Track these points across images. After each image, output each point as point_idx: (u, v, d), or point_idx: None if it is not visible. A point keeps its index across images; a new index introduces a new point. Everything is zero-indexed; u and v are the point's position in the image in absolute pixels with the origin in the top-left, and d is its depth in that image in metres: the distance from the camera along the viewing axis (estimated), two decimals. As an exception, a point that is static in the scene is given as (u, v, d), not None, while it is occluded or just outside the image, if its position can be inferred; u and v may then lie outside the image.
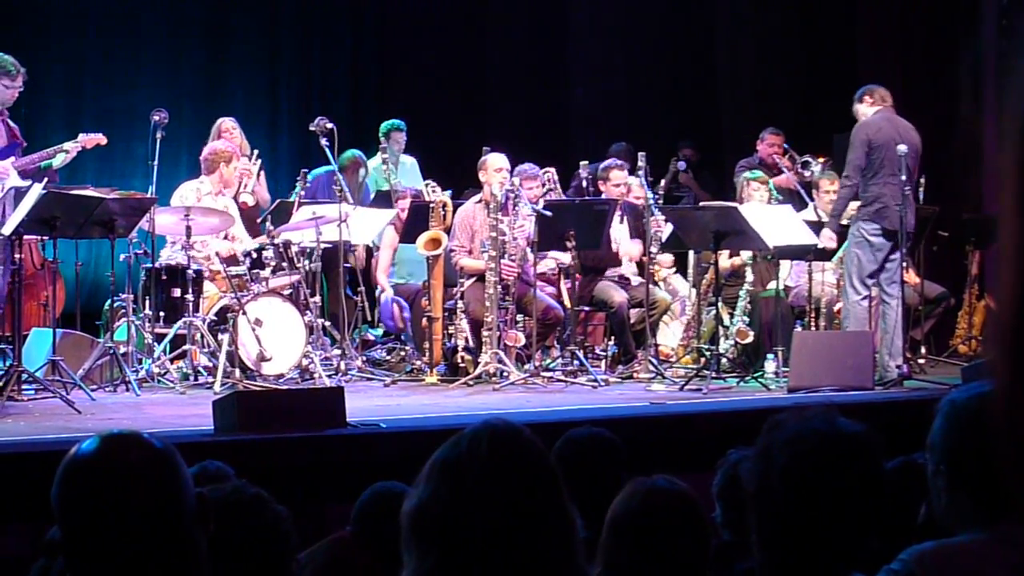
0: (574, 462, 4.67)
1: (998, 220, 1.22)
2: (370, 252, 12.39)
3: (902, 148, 10.28)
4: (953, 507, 3.06)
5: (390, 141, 13.29)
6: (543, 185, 11.75)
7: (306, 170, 11.98)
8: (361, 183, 12.88)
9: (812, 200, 12.16)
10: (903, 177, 10.23)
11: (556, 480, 2.55)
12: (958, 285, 13.00)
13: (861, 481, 2.92)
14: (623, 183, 11.66)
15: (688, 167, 14.05)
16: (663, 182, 12.59)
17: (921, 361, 11.73)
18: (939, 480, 3.09)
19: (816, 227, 10.99)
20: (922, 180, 11.53)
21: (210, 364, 10.13)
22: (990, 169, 13.94)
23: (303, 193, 11.86)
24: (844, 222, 10.87)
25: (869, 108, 10.61)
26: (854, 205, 10.66)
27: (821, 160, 13.00)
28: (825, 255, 11.24)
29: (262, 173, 12.33)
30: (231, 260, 10.73)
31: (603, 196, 11.63)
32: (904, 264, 10.62)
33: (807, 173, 12.93)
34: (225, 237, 11.17)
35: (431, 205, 11.39)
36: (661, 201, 11.96)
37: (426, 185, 12.56)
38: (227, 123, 12.32)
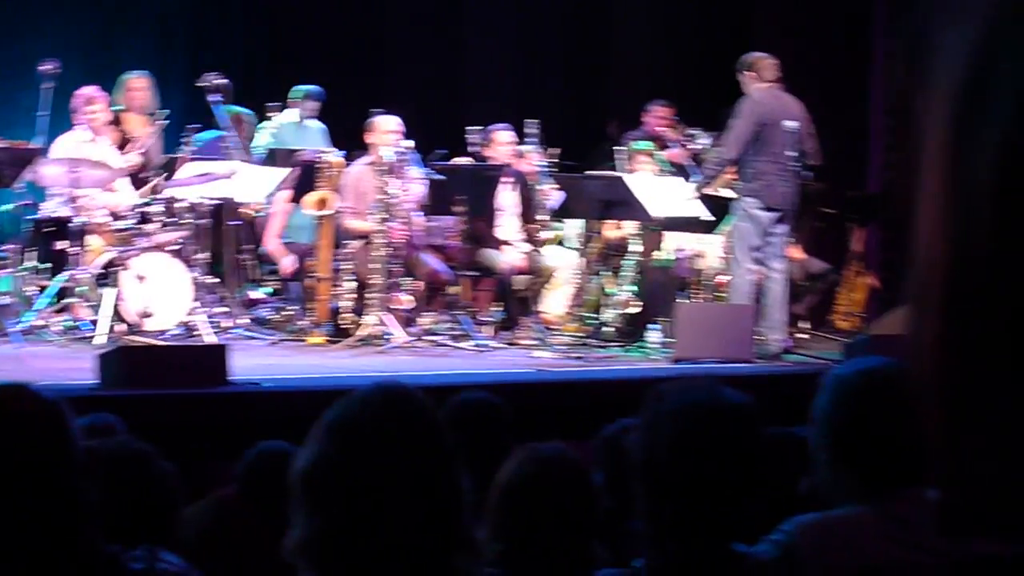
0: (463, 425, 4.71)
1: (916, 190, 1.23)
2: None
3: (791, 124, 10.34)
4: (835, 480, 3.13)
5: (302, 106, 12.96)
6: None
7: (195, 126, 11.75)
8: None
9: (700, 173, 12.24)
10: (788, 154, 10.32)
11: (448, 444, 2.57)
12: (840, 262, 13.15)
13: (744, 451, 2.97)
14: (508, 144, 11.65)
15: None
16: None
17: (804, 336, 11.87)
18: (822, 454, 3.15)
19: (704, 199, 11.07)
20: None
21: (95, 318, 10.03)
22: (875, 149, 14.16)
23: (189, 151, 11.63)
24: (730, 195, 10.96)
25: (754, 83, 10.61)
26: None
27: (712, 135, 13.04)
28: (709, 227, 11.33)
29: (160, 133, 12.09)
30: (114, 214, 10.61)
31: (488, 162, 11.59)
32: (789, 239, 10.73)
33: (694, 147, 12.97)
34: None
35: (318, 166, 11.23)
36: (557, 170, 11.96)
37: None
38: (134, 82, 12.10)
